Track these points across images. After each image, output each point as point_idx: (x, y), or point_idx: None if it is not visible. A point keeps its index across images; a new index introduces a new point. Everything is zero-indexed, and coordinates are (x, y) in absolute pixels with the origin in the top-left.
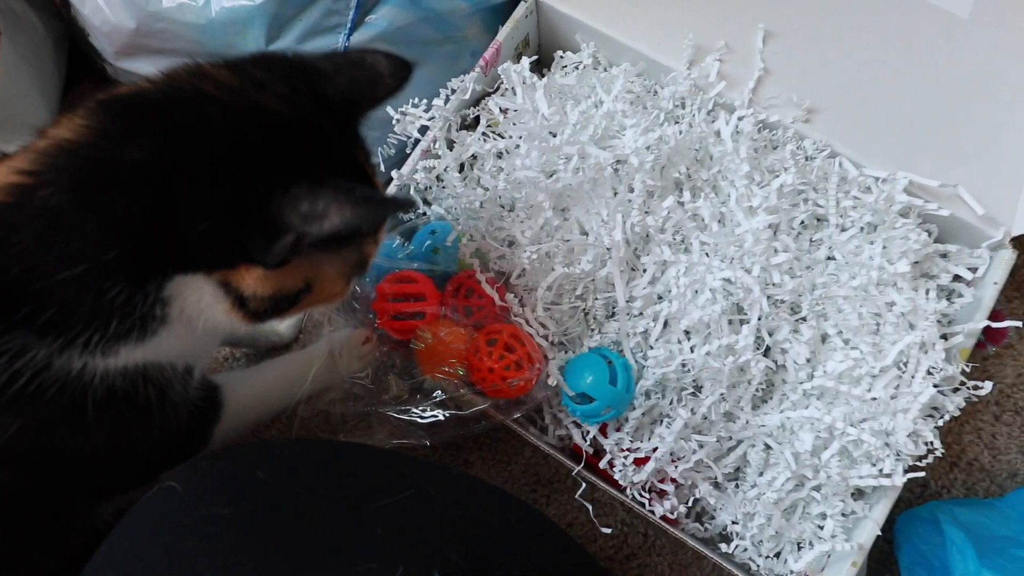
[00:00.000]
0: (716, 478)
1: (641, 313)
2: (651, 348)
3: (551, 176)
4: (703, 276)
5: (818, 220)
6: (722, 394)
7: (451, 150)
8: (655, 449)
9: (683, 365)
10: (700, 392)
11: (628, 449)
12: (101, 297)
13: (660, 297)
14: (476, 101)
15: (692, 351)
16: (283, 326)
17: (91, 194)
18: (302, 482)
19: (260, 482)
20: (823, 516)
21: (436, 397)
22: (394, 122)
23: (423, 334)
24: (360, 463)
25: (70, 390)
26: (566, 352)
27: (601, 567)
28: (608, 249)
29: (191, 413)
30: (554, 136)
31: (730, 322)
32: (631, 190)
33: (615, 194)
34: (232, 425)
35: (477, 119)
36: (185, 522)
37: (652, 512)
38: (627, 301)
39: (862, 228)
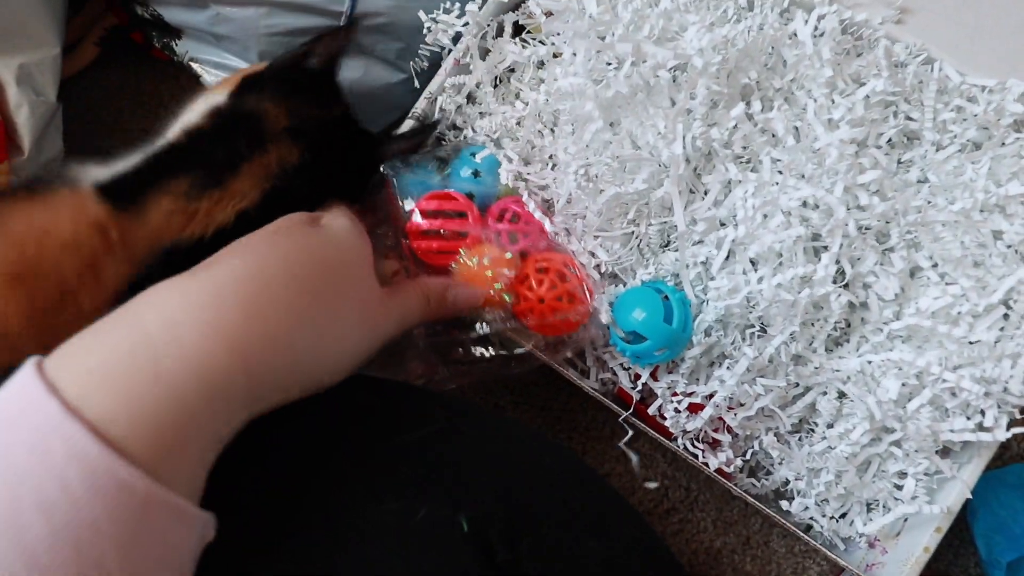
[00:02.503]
0: (778, 428)
1: (702, 240)
2: (712, 280)
3: (599, 84)
4: (776, 197)
5: (908, 138)
6: (793, 333)
7: (484, 60)
8: (712, 394)
9: (748, 299)
10: (767, 331)
11: (682, 393)
12: None
13: (723, 223)
14: (516, 5)
15: (760, 282)
16: None
17: None
18: (316, 413)
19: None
20: (902, 475)
21: (478, 331)
22: (424, 31)
23: (465, 259)
24: (381, 395)
25: None
26: (615, 286)
27: (645, 520)
28: (665, 166)
29: None
30: (603, 40)
31: (804, 251)
32: (692, 98)
33: (673, 104)
34: None
35: (517, 26)
36: None
37: (706, 464)
38: (687, 226)
39: (963, 146)
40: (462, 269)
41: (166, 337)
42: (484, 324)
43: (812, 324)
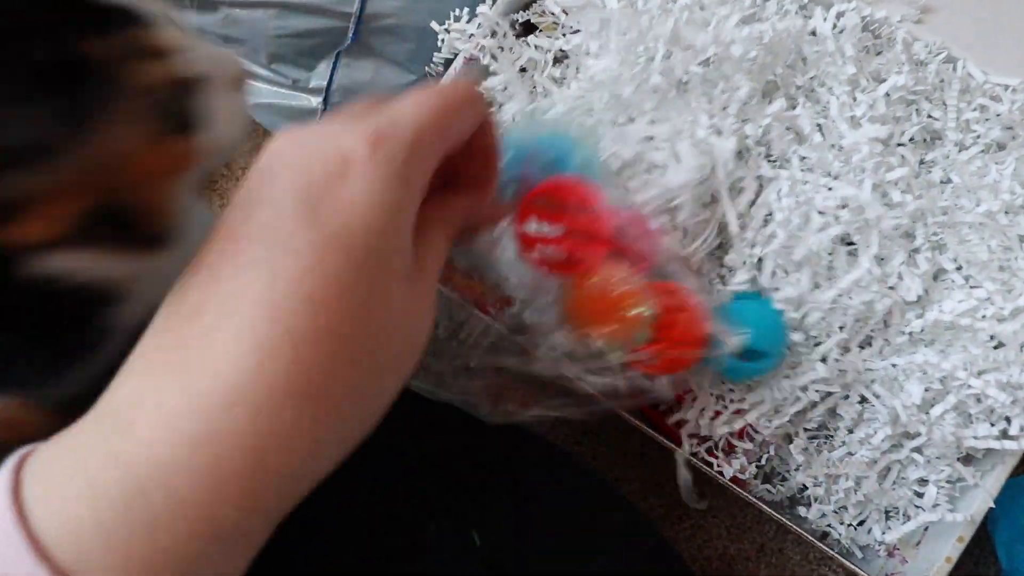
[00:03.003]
0: (798, 434)
1: (754, 243)
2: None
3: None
4: (811, 196)
5: (930, 138)
6: (840, 341)
7: (498, 61)
8: (760, 401)
9: (801, 303)
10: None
11: (721, 397)
12: None
13: (766, 220)
14: (527, 3)
15: (817, 290)
16: None
17: None
18: None
19: None
20: (923, 482)
21: (608, 361)
22: (440, 42)
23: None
24: (398, 405)
25: None
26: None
27: (660, 533)
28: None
29: None
30: (625, 36)
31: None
32: (736, 88)
33: (708, 100)
34: None
35: (528, 25)
36: None
37: (720, 473)
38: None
39: (987, 146)
40: (586, 291)
41: (155, 482)
42: (619, 352)
43: (840, 329)
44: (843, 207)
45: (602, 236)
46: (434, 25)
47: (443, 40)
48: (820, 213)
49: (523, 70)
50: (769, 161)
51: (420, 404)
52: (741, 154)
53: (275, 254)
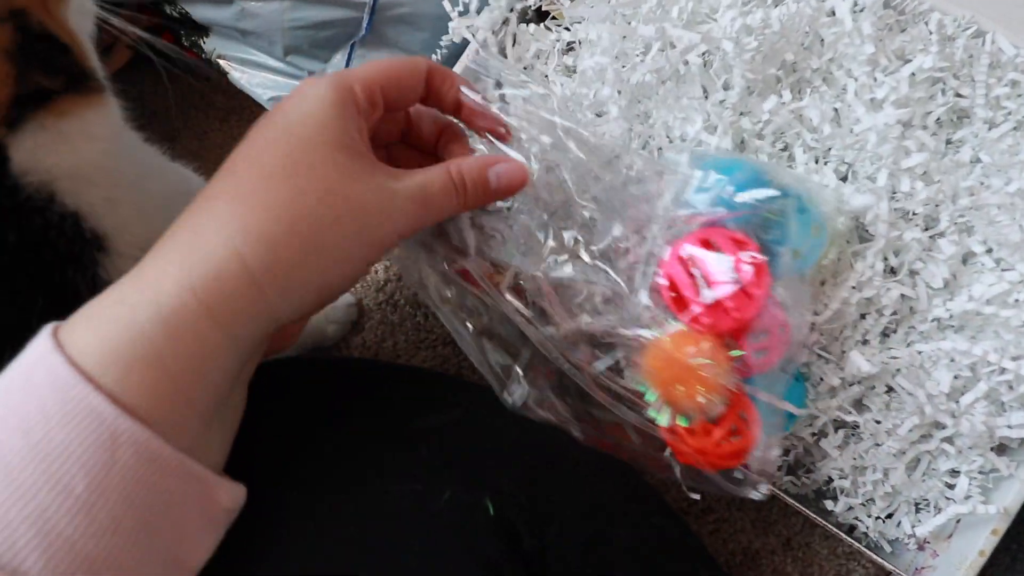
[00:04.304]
0: (824, 427)
1: None
2: None
3: (625, 68)
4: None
5: (957, 117)
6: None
7: (505, 56)
8: None
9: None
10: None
11: None
12: None
13: None
14: None
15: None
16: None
17: None
18: (342, 398)
19: (299, 394)
20: (954, 473)
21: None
22: (451, 30)
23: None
24: (401, 382)
25: None
26: None
27: (677, 514)
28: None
29: None
30: (629, 24)
31: (847, 241)
32: (726, 87)
33: (705, 93)
34: None
35: (540, 12)
36: None
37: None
38: None
39: (1019, 123)
40: (656, 348)
41: (138, 284)
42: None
43: (863, 317)
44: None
45: (752, 307)
46: (446, 4)
47: (453, 28)
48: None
49: (537, 57)
50: (772, 156)
51: (433, 377)
52: (742, 144)
53: (236, 159)
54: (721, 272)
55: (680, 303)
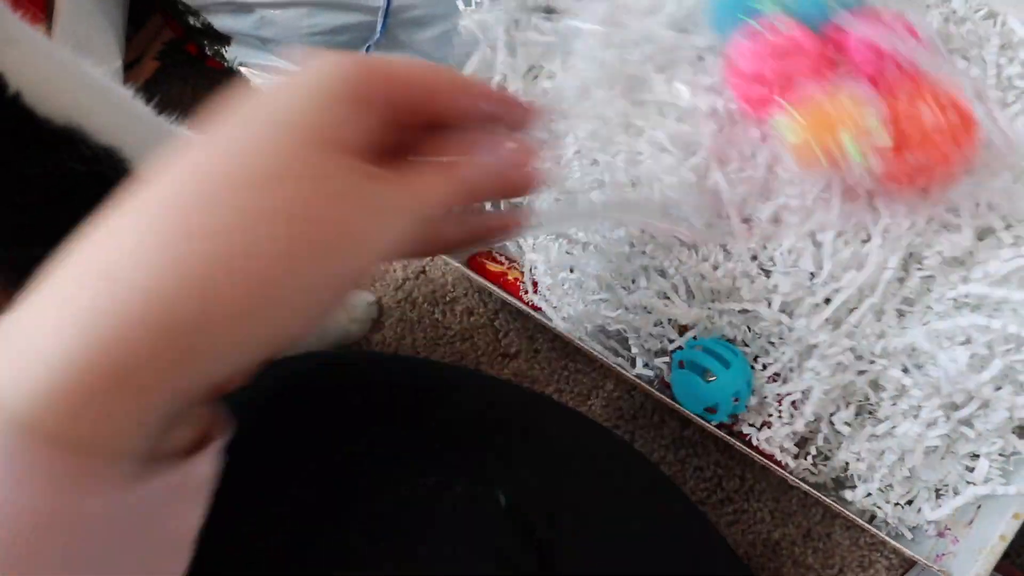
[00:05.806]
0: (838, 410)
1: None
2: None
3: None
4: None
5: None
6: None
7: (513, 56)
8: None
9: (812, 275)
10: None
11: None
12: None
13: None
14: None
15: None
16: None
17: None
18: (354, 390)
19: (313, 388)
20: (974, 456)
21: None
22: (461, 27)
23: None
24: (416, 375)
25: None
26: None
27: (699, 510)
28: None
29: None
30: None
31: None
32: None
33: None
34: None
35: (548, 8)
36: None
37: (757, 449)
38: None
39: None
40: (812, 110)
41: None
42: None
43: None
44: None
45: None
46: (459, 3)
47: (463, 27)
48: None
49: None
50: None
51: (443, 368)
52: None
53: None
54: None
55: None
